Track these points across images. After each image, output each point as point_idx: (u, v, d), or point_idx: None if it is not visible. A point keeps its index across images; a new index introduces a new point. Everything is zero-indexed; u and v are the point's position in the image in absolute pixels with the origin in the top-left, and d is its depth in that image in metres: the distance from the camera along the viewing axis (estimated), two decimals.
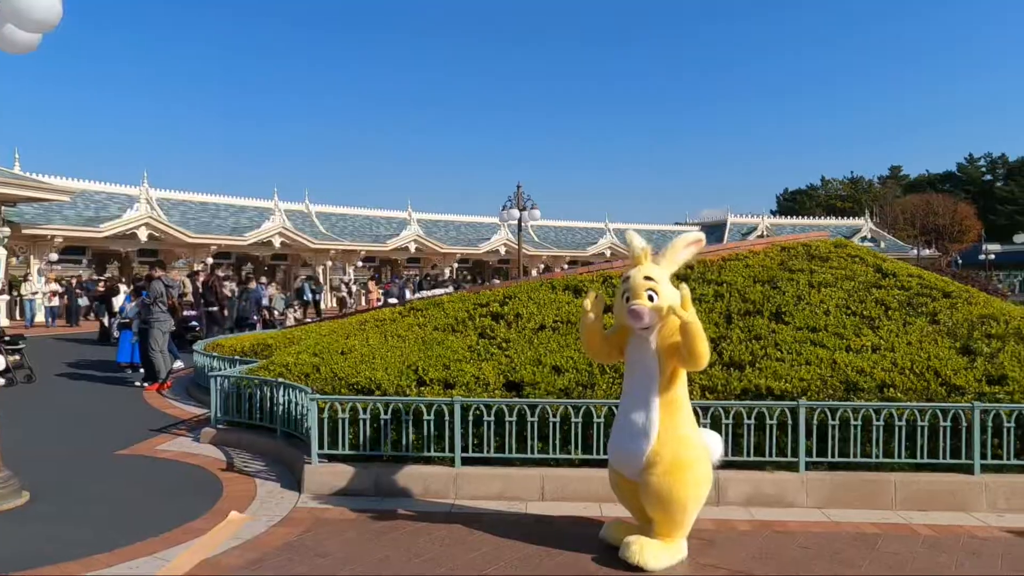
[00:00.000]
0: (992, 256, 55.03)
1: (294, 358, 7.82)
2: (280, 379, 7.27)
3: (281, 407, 7.21)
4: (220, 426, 7.92)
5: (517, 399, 6.14)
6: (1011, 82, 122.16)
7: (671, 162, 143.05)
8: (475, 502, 5.86)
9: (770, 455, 5.97)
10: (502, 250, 44.54)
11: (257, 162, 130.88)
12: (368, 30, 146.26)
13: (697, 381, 6.37)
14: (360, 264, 41.13)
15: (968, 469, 5.91)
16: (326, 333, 9.70)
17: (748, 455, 5.98)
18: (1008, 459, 5.92)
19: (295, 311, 25.29)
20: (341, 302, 33.47)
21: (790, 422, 5.93)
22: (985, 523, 5.52)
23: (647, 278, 4.42)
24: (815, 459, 5.97)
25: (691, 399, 6.11)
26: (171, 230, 32.49)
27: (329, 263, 38.78)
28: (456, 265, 44.80)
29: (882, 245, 55.31)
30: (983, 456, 5.91)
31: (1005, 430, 5.91)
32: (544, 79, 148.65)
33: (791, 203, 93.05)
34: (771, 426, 5.93)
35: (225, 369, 9.09)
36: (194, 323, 17.69)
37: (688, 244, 4.71)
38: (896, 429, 5.91)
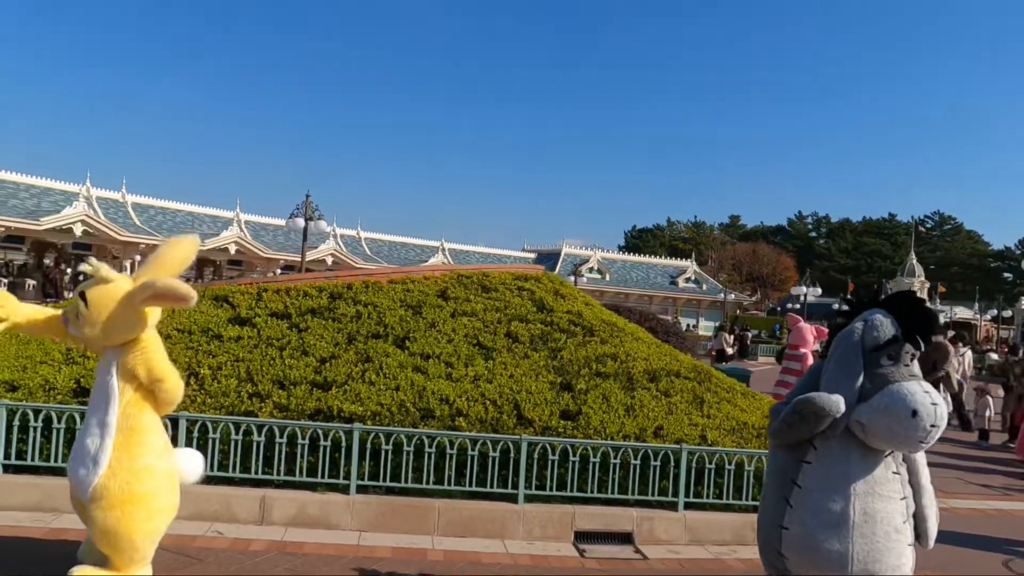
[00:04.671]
0: (798, 306, 59.51)
1: None
2: None
3: None
4: None
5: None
6: (839, 150, 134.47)
7: (524, 191, 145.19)
8: None
9: (323, 476, 5.98)
10: (328, 260, 43.71)
11: None
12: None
13: (273, 398, 6.32)
14: None
15: (515, 499, 6.17)
16: None
17: (302, 475, 5.97)
18: (551, 490, 6.23)
19: None
20: None
21: (344, 444, 5.98)
22: (507, 551, 5.77)
23: (80, 294, 4.22)
24: (367, 482, 6.04)
25: (261, 416, 6.11)
26: None
27: (138, 257, 36.57)
28: (279, 271, 43.47)
29: (704, 287, 58.86)
30: (528, 487, 6.19)
31: (550, 463, 6.23)
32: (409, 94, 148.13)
33: (637, 240, 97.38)
34: (325, 447, 5.95)
35: None
36: None
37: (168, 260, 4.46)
38: (448, 457, 6.09)
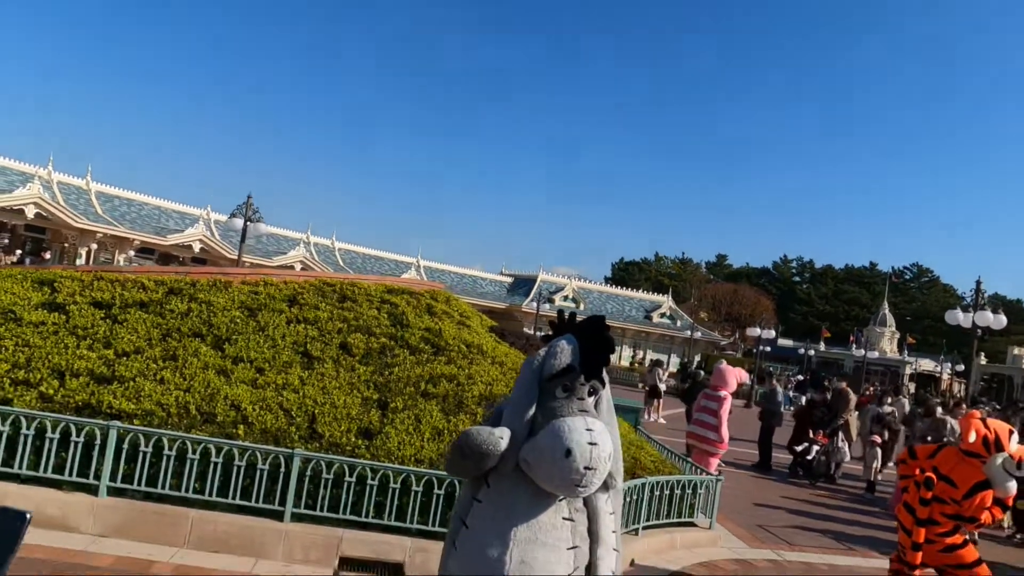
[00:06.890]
0: (768, 348, 59.39)
1: None
2: None
3: None
4: None
5: None
6: (828, 198, 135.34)
7: (519, 217, 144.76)
8: None
9: (70, 475, 5.62)
10: (297, 266, 43.44)
11: None
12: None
13: (41, 388, 5.97)
14: (132, 254, 38.71)
15: (282, 516, 5.81)
16: None
17: (48, 471, 5.61)
18: (322, 511, 5.87)
19: None
20: None
21: (99, 442, 5.62)
22: (252, 572, 5.39)
23: None
24: (122, 485, 5.68)
25: (21, 404, 5.75)
26: None
27: (94, 246, 36.18)
28: None
29: (678, 324, 58.60)
30: (297, 505, 5.83)
31: (324, 482, 5.87)
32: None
33: (623, 273, 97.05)
34: (77, 443, 5.60)
35: None
36: None
37: None
38: (214, 465, 5.74)
